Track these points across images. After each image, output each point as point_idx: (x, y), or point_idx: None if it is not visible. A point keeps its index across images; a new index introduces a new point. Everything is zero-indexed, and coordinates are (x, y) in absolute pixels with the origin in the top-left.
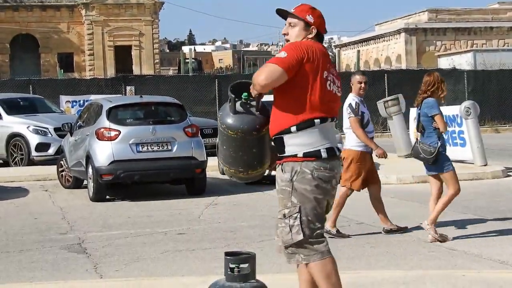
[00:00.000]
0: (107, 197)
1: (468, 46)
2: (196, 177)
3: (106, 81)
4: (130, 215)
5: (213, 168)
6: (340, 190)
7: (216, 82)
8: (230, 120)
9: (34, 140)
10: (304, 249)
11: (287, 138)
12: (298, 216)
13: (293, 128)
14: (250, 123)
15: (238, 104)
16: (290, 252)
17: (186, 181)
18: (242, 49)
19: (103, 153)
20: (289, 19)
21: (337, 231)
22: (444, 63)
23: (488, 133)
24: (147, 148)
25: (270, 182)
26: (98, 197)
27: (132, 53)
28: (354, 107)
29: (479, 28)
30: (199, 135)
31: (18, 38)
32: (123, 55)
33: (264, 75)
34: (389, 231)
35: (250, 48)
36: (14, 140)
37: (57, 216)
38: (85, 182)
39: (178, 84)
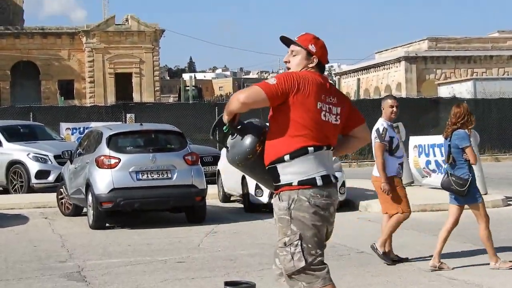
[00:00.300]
0: (107, 224)
1: (468, 75)
2: (196, 205)
3: (106, 109)
4: (130, 243)
5: (213, 196)
6: (392, 219)
7: (216, 109)
8: (229, 156)
9: (34, 167)
10: (306, 276)
11: (281, 167)
12: (299, 243)
13: (287, 157)
14: (241, 151)
15: (229, 139)
16: (293, 280)
17: (186, 209)
18: (243, 77)
19: (103, 181)
20: (292, 47)
21: (384, 252)
22: (444, 91)
23: (488, 161)
24: (147, 176)
25: (269, 210)
26: (97, 224)
27: (133, 81)
28: (380, 132)
29: (479, 57)
30: (199, 163)
31: (19, 65)
32: (123, 82)
33: (245, 94)
34: (375, 250)
35: (251, 76)
36: (14, 167)
37: (57, 244)
38: (84, 209)
39: (178, 112)
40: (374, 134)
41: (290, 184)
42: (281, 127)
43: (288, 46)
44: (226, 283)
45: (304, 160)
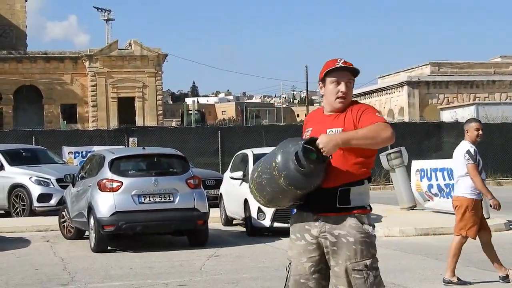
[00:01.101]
0: (109, 248)
1: (470, 99)
2: (198, 228)
3: (109, 132)
4: (132, 266)
5: (215, 219)
6: (454, 239)
7: (219, 133)
8: (303, 183)
9: (36, 190)
10: None
11: (354, 189)
12: (378, 267)
13: (366, 181)
14: (317, 181)
15: (310, 165)
16: None
17: (188, 232)
18: (245, 101)
19: (105, 204)
20: (351, 78)
21: (458, 278)
22: (447, 116)
23: (491, 185)
24: (149, 200)
25: (272, 234)
26: (99, 248)
27: (135, 105)
28: (472, 153)
29: (482, 82)
30: (202, 186)
31: (21, 89)
32: (126, 106)
33: (391, 131)
34: (505, 278)
35: (253, 100)
36: (16, 190)
37: (58, 267)
38: (86, 233)
39: (181, 136)
40: (466, 156)
41: (364, 208)
42: (363, 152)
43: (352, 76)
44: None
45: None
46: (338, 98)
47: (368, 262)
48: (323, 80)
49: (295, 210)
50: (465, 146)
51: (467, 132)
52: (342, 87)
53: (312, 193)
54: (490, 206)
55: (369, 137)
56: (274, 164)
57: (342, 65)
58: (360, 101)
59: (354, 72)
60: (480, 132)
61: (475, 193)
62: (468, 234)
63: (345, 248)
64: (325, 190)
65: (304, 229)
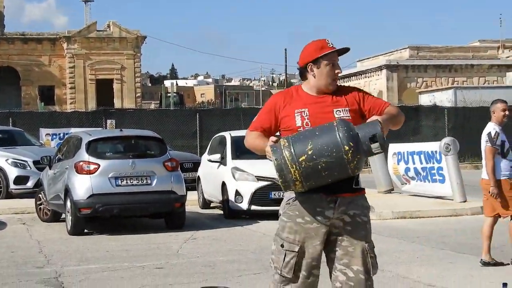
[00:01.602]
0: (85, 230)
1: (449, 83)
2: (175, 211)
3: (87, 114)
4: (108, 249)
5: (193, 202)
6: (486, 221)
7: (198, 116)
8: (363, 162)
9: (12, 173)
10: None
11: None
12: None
13: None
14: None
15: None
16: (371, 284)
17: (165, 215)
18: (224, 84)
19: (82, 187)
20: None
21: (493, 259)
22: (425, 99)
23: (468, 169)
24: (127, 182)
25: (249, 217)
26: (76, 230)
27: (114, 87)
28: (492, 136)
29: (460, 66)
30: (179, 169)
31: None
32: (104, 88)
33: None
34: (487, 263)
35: (232, 83)
36: None
37: (35, 250)
38: (63, 215)
39: (159, 118)
40: (485, 138)
41: (363, 189)
42: None
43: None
44: None
45: None
46: (334, 80)
47: (372, 243)
48: (316, 61)
49: (293, 194)
50: (488, 128)
51: (493, 113)
52: (338, 69)
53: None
54: (489, 192)
55: (397, 119)
56: (346, 147)
57: (336, 47)
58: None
59: (341, 53)
60: (507, 112)
61: (506, 174)
62: (503, 214)
63: (361, 227)
64: (340, 186)
65: (315, 211)
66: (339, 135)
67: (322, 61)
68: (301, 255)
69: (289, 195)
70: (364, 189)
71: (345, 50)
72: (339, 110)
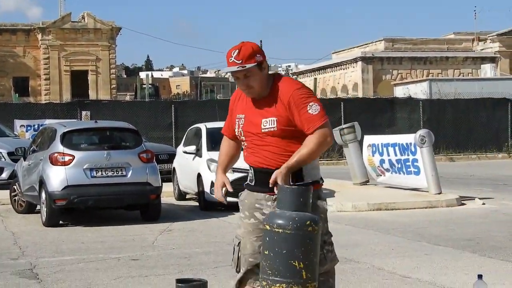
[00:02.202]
0: (60, 222)
1: (424, 76)
2: (150, 203)
3: (61, 106)
4: (83, 241)
5: (168, 194)
6: None
7: (173, 107)
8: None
9: None
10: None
11: (307, 166)
12: (332, 242)
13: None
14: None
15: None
16: (323, 280)
17: (140, 206)
18: (200, 76)
19: (57, 178)
20: (249, 70)
21: None
22: (400, 92)
23: (443, 161)
24: (102, 173)
25: (225, 208)
26: (51, 222)
27: (89, 78)
28: None
29: (435, 58)
30: (154, 161)
31: None
32: (79, 80)
33: (330, 134)
34: None
35: (208, 75)
36: None
37: (9, 241)
38: (38, 207)
39: (134, 110)
40: None
41: (317, 182)
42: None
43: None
44: (178, 281)
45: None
46: (245, 89)
47: (325, 237)
48: None
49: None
50: None
51: None
52: (240, 84)
53: (264, 174)
54: None
55: (312, 156)
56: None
57: (230, 68)
58: (309, 76)
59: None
60: None
61: None
62: None
63: None
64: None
65: (254, 207)
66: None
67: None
68: (240, 250)
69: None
70: (315, 182)
71: (232, 71)
72: (266, 120)
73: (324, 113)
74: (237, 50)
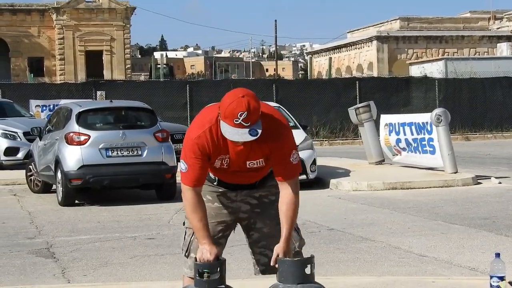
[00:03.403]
0: (76, 201)
1: (439, 55)
2: (166, 182)
3: (76, 86)
4: (99, 220)
5: None
6: None
7: (188, 87)
8: None
9: (3, 144)
10: None
11: (270, 175)
12: None
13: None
14: None
15: None
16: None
17: (156, 186)
18: (214, 55)
19: (72, 158)
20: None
21: None
22: (416, 71)
23: (459, 140)
24: (117, 153)
25: None
26: (67, 201)
27: (103, 58)
28: None
29: (451, 37)
30: (170, 140)
31: None
32: (94, 60)
33: (298, 192)
34: None
35: (222, 55)
36: None
37: (26, 221)
38: (54, 186)
39: (149, 90)
40: None
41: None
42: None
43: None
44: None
45: None
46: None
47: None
48: None
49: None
50: None
51: None
52: (239, 145)
53: (232, 184)
54: None
55: (295, 219)
56: None
57: (239, 139)
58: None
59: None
60: None
61: None
62: None
63: (270, 207)
64: (244, 185)
65: (218, 192)
66: None
67: None
68: (193, 234)
69: None
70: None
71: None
72: (253, 162)
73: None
74: (245, 113)
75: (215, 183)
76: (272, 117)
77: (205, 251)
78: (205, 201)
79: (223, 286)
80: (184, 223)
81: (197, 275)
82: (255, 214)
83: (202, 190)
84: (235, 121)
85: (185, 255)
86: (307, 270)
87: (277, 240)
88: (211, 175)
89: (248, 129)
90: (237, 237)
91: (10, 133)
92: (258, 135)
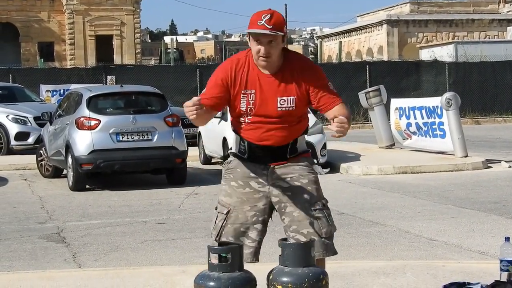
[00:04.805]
0: (87, 186)
1: (449, 38)
2: (176, 167)
3: (86, 71)
4: (110, 205)
5: (194, 158)
6: None
7: (198, 72)
8: None
9: (13, 129)
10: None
11: (301, 139)
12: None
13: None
14: None
15: None
16: (330, 241)
17: (166, 171)
18: (224, 40)
19: (83, 143)
20: (275, 38)
21: None
22: (426, 55)
23: (469, 124)
24: (127, 138)
25: None
26: (77, 186)
27: (113, 43)
28: None
29: (461, 20)
30: (180, 125)
31: None
32: (104, 44)
33: None
34: None
35: (232, 39)
36: None
37: (36, 205)
38: (64, 171)
39: (159, 74)
40: None
41: (308, 151)
42: (301, 112)
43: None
44: (220, 244)
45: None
46: (260, 57)
47: (323, 201)
48: (249, 34)
49: (232, 157)
50: None
51: None
52: (262, 49)
53: (262, 150)
54: None
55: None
56: None
57: (260, 30)
58: (334, 39)
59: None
60: None
61: None
62: None
63: (301, 191)
64: (277, 149)
65: (249, 176)
66: None
67: (250, 36)
68: (228, 219)
69: (229, 158)
70: (306, 151)
71: (264, 35)
72: (283, 99)
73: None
74: (269, 15)
75: (245, 156)
76: (303, 55)
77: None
78: (237, 186)
79: (238, 271)
80: (216, 208)
81: (209, 259)
82: (286, 198)
83: (234, 174)
84: (259, 22)
85: (215, 239)
86: (312, 253)
87: (307, 223)
88: (241, 143)
89: (269, 31)
90: None
91: (20, 118)
92: (279, 34)
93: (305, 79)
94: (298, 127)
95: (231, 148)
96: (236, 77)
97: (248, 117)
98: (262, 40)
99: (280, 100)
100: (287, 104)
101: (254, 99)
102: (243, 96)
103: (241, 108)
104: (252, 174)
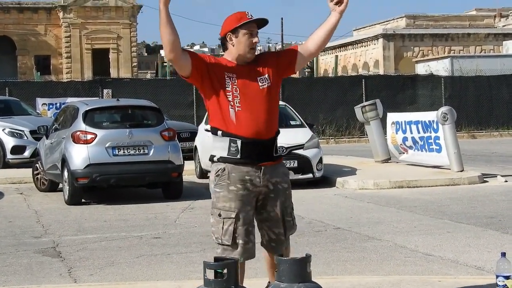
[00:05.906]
0: (83, 200)
1: (445, 52)
2: (172, 181)
3: (83, 84)
4: (106, 219)
5: (190, 172)
6: None
7: (194, 86)
8: None
9: (9, 142)
10: None
11: (277, 139)
12: None
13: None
14: None
15: None
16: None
17: (162, 185)
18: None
19: (79, 156)
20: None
21: None
22: (421, 69)
23: (465, 138)
24: (124, 152)
25: None
26: (73, 200)
27: (110, 56)
28: None
29: (457, 35)
30: (176, 139)
31: None
32: (100, 58)
33: None
34: None
35: None
36: None
37: (32, 220)
38: (60, 185)
39: (155, 88)
40: None
41: (282, 156)
42: (277, 103)
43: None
44: (215, 259)
45: None
46: (252, 48)
47: (292, 205)
48: (234, 31)
49: (221, 165)
50: None
51: None
52: (256, 38)
53: (254, 144)
54: None
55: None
56: None
57: (254, 18)
58: (330, 53)
59: (261, 24)
60: None
61: None
62: None
63: (281, 194)
64: (266, 141)
65: (244, 179)
66: None
67: (241, 30)
68: (238, 221)
69: (216, 166)
70: (282, 156)
71: (263, 21)
72: (262, 78)
73: None
74: (249, 12)
75: (238, 156)
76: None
77: None
78: (236, 190)
79: (233, 286)
80: (219, 214)
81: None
82: (269, 198)
83: (230, 179)
84: (248, 16)
85: (229, 244)
86: (308, 269)
87: (279, 224)
88: (231, 144)
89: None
90: None
91: (16, 131)
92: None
93: (269, 60)
94: (276, 120)
95: (215, 156)
96: (216, 63)
97: (237, 99)
98: (255, 31)
99: (260, 79)
100: (265, 81)
101: (236, 81)
102: (227, 78)
103: (226, 88)
104: (247, 177)
